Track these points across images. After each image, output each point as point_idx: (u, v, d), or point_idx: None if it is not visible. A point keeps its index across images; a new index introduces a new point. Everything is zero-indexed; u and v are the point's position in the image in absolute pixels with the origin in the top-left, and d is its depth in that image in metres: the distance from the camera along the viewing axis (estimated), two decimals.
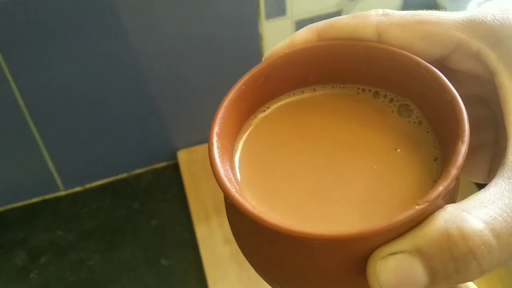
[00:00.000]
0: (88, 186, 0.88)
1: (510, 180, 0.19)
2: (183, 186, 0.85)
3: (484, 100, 0.25)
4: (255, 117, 0.25)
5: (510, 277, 0.67)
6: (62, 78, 0.76)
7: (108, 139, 0.85)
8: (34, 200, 0.87)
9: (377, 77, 0.24)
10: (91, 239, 0.82)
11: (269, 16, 0.79)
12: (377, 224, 0.18)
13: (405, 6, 0.84)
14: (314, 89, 0.25)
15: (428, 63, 0.22)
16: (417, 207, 0.18)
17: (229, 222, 0.24)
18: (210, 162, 0.21)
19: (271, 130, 0.24)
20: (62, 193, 0.88)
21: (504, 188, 0.19)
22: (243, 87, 0.23)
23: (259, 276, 0.23)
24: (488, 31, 0.22)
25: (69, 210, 0.85)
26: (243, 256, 0.23)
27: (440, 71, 0.22)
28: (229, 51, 0.80)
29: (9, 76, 0.73)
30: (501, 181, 0.19)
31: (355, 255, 0.19)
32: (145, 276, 0.77)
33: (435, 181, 0.21)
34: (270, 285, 0.23)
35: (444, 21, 0.22)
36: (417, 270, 0.18)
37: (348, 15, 0.24)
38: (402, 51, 0.23)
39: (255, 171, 0.23)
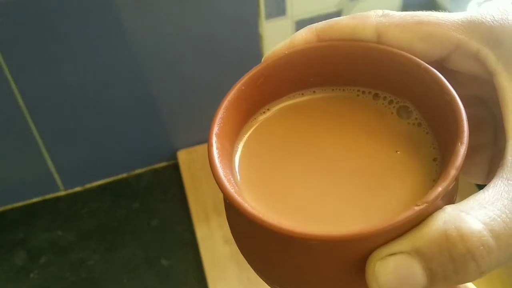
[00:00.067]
0: (88, 186, 0.88)
1: (509, 181, 0.19)
2: (183, 186, 0.85)
3: (483, 101, 0.25)
4: (255, 119, 0.25)
5: (510, 277, 0.67)
6: (62, 78, 0.76)
7: (108, 139, 0.85)
8: (34, 200, 0.87)
9: (377, 78, 0.24)
10: (91, 239, 0.82)
11: (269, 16, 0.79)
12: (376, 225, 0.18)
13: (405, 6, 0.84)
14: (314, 92, 0.25)
15: (428, 64, 0.22)
16: (416, 208, 0.18)
17: (228, 223, 0.24)
18: (210, 162, 0.21)
19: (271, 132, 0.24)
20: (62, 193, 0.88)
21: (503, 189, 0.19)
22: (243, 88, 0.23)
23: (258, 276, 0.23)
24: (487, 32, 0.22)
25: (69, 210, 0.85)
26: (243, 256, 0.23)
27: (440, 72, 0.22)
28: (229, 51, 0.80)
29: (9, 76, 0.73)
30: (500, 182, 0.19)
31: (354, 256, 0.19)
32: (145, 276, 0.77)
33: (434, 181, 0.21)
34: (269, 286, 0.23)
35: (443, 22, 0.22)
36: (416, 271, 0.18)
37: (347, 16, 0.24)
38: (402, 52, 0.23)
39: (254, 173, 0.23)
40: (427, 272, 0.18)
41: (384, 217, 0.19)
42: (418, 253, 0.18)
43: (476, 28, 0.22)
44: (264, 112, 0.25)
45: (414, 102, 0.24)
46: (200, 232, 0.79)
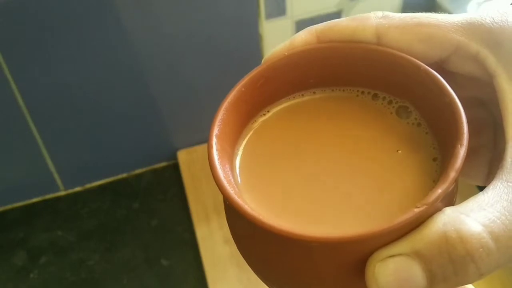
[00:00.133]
0: (88, 186, 0.88)
1: (509, 183, 0.19)
2: (183, 186, 0.85)
3: (483, 102, 0.25)
4: (255, 121, 0.25)
5: (510, 277, 0.67)
6: (62, 78, 0.76)
7: (108, 139, 0.85)
8: (34, 200, 0.87)
9: (376, 79, 0.24)
10: (91, 239, 0.82)
11: (269, 16, 0.79)
12: (376, 227, 0.18)
13: (405, 6, 0.84)
14: (314, 92, 0.25)
15: (427, 65, 0.22)
16: (416, 210, 0.18)
17: (228, 224, 0.24)
18: (210, 164, 0.21)
19: (272, 134, 0.24)
20: (62, 193, 0.88)
21: (503, 191, 0.19)
22: (243, 89, 0.23)
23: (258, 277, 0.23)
24: (487, 34, 0.22)
25: (69, 210, 0.85)
26: (243, 258, 0.23)
27: (439, 74, 0.22)
28: (229, 51, 0.80)
29: (9, 76, 0.73)
30: (499, 184, 0.19)
31: (354, 258, 0.19)
32: (145, 276, 0.77)
33: (434, 181, 0.21)
34: (268, 286, 0.23)
35: (443, 23, 0.22)
36: (416, 272, 0.18)
37: (347, 18, 0.24)
38: (401, 54, 0.23)
39: (255, 174, 0.23)
40: (426, 274, 0.18)
41: (384, 219, 0.19)
42: (418, 255, 0.18)
43: (476, 30, 0.22)
44: (264, 114, 0.25)
45: (414, 103, 0.24)
46: (200, 232, 0.79)
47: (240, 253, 0.23)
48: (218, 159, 0.21)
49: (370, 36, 0.23)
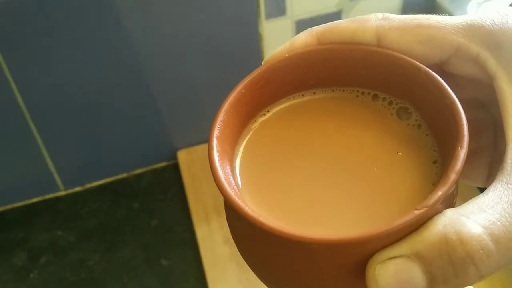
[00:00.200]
0: (88, 186, 0.88)
1: (509, 185, 0.19)
2: (183, 186, 0.85)
3: (483, 104, 0.25)
4: (255, 121, 0.25)
5: (511, 278, 0.67)
6: (62, 78, 0.76)
7: (108, 139, 0.85)
8: (34, 200, 0.87)
9: (377, 81, 0.24)
10: (91, 239, 0.82)
11: (269, 16, 0.79)
12: (376, 229, 0.18)
13: (405, 6, 0.84)
14: (314, 93, 0.25)
15: (428, 67, 0.22)
16: (416, 212, 0.18)
17: (228, 225, 0.24)
18: (210, 165, 0.21)
19: (272, 134, 0.24)
20: (62, 193, 0.88)
21: (503, 193, 0.19)
22: (243, 91, 0.23)
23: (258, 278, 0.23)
24: (487, 36, 0.22)
25: (69, 210, 0.86)
26: (243, 259, 0.23)
27: (439, 75, 0.22)
28: (229, 51, 0.80)
29: (9, 76, 0.73)
30: (499, 186, 0.19)
31: (354, 259, 0.19)
32: (145, 276, 0.77)
33: (434, 184, 0.21)
34: (267, 286, 0.23)
35: (443, 25, 0.22)
36: (416, 274, 0.18)
37: (347, 19, 0.24)
38: (402, 55, 0.23)
39: (255, 175, 0.23)
40: (427, 275, 0.18)
41: (384, 221, 0.19)
42: (418, 257, 0.18)
43: (476, 31, 0.22)
44: (264, 114, 0.25)
45: (414, 104, 0.24)
46: (200, 232, 0.79)
47: (241, 254, 0.23)
48: (219, 160, 0.21)
49: (370, 37, 0.23)
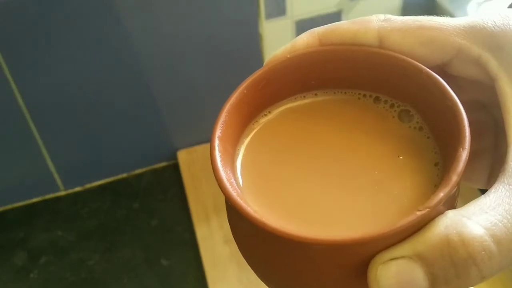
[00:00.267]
0: (88, 186, 0.88)
1: (511, 186, 0.19)
2: (183, 186, 0.85)
3: (485, 106, 0.25)
4: (256, 121, 0.25)
5: (511, 278, 0.67)
6: (62, 78, 0.76)
7: (108, 139, 0.85)
8: (34, 200, 0.87)
9: (378, 82, 0.24)
10: (91, 239, 0.82)
11: (269, 16, 0.79)
12: (378, 229, 0.18)
13: (405, 6, 0.84)
14: (316, 94, 0.25)
15: (429, 68, 0.22)
16: (418, 213, 0.19)
17: (230, 225, 0.24)
18: (212, 166, 0.21)
19: (273, 135, 0.24)
20: (62, 193, 0.88)
21: (504, 194, 0.19)
22: (245, 91, 0.23)
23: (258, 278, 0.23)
24: (489, 38, 0.22)
25: (69, 210, 0.86)
26: (244, 259, 0.23)
27: (441, 77, 0.22)
28: (229, 51, 0.80)
29: (9, 76, 0.73)
30: (501, 187, 0.19)
31: (356, 260, 0.19)
32: (145, 276, 0.77)
33: (436, 186, 0.21)
34: (268, 287, 0.23)
35: (445, 27, 0.22)
36: (417, 275, 0.19)
37: (349, 20, 0.24)
38: (403, 57, 0.23)
39: (256, 176, 0.23)
40: (428, 276, 0.19)
41: (386, 222, 0.19)
42: (420, 258, 0.18)
43: (477, 33, 0.22)
44: (265, 115, 0.25)
45: (415, 106, 0.24)
46: (200, 232, 0.79)
47: (242, 253, 0.23)
48: (221, 161, 0.22)
49: (372, 39, 0.23)
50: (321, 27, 0.24)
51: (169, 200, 0.85)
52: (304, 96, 0.25)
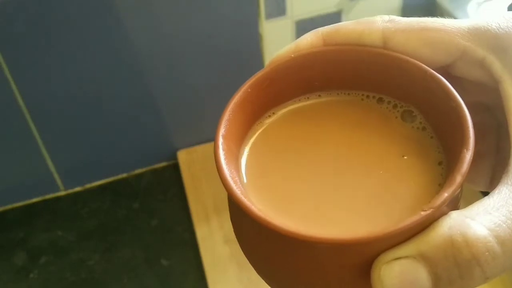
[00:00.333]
0: (88, 186, 0.88)
1: None
2: (183, 186, 0.85)
3: (488, 107, 0.25)
4: (260, 122, 0.25)
5: (511, 278, 0.67)
6: (62, 78, 0.76)
7: (108, 139, 0.85)
8: (34, 200, 0.87)
9: (382, 83, 0.24)
10: (91, 239, 0.82)
11: (269, 16, 0.79)
12: (382, 229, 0.18)
13: (405, 6, 0.84)
14: (319, 95, 0.25)
15: (433, 70, 0.22)
16: (422, 213, 0.19)
17: (232, 223, 0.24)
18: (216, 164, 0.21)
19: (277, 136, 0.24)
20: (62, 193, 0.88)
21: (508, 195, 0.19)
22: (249, 90, 0.23)
23: (259, 277, 0.23)
24: (493, 40, 0.22)
25: (69, 210, 0.85)
26: (243, 257, 0.23)
27: (445, 78, 0.22)
28: (229, 51, 0.80)
29: (9, 76, 0.73)
30: (505, 188, 0.20)
31: (360, 260, 0.19)
32: (145, 276, 0.77)
33: (440, 185, 0.21)
34: (271, 286, 0.23)
35: (449, 28, 0.23)
36: (421, 275, 0.19)
37: (353, 21, 0.24)
38: (408, 58, 0.23)
39: (260, 175, 0.23)
40: (432, 276, 0.19)
41: (391, 221, 0.20)
42: (423, 258, 0.18)
43: (482, 35, 0.22)
44: (269, 116, 0.25)
45: (419, 107, 0.24)
46: (200, 232, 0.79)
47: (244, 252, 0.23)
48: (225, 159, 0.22)
49: (376, 39, 0.23)
50: (325, 27, 0.24)
51: (169, 200, 0.85)
52: (308, 98, 0.25)
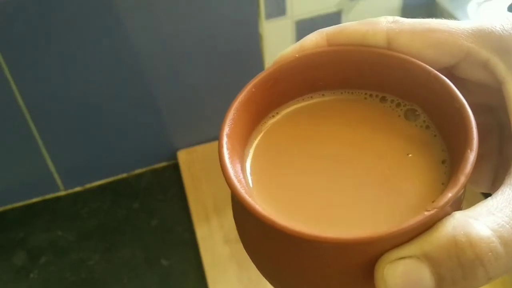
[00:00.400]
0: (88, 186, 0.88)
1: None
2: (183, 186, 0.85)
3: (491, 109, 0.26)
4: (265, 122, 0.25)
5: (511, 278, 0.67)
6: (62, 78, 0.76)
7: (108, 139, 0.85)
8: (34, 200, 0.87)
9: (386, 84, 0.24)
10: (91, 239, 0.82)
11: (269, 16, 0.79)
12: (386, 229, 0.18)
13: (405, 6, 0.84)
14: (323, 95, 0.26)
15: (437, 71, 0.22)
16: (426, 213, 0.19)
17: (235, 222, 0.24)
18: (220, 163, 0.21)
19: (281, 135, 0.24)
20: (62, 193, 0.88)
21: (511, 196, 0.19)
22: (253, 90, 0.23)
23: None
24: (497, 41, 0.22)
25: (69, 210, 0.85)
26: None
27: (448, 79, 0.22)
28: (229, 51, 0.80)
29: (9, 76, 0.73)
30: (508, 189, 0.20)
31: (363, 259, 0.19)
32: (145, 276, 0.77)
33: (443, 184, 0.21)
34: (274, 286, 0.23)
35: (453, 30, 0.23)
36: (424, 275, 0.19)
37: (357, 21, 0.24)
38: (412, 59, 0.23)
39: (265, 175, 0.23)
40: (435, 276, 0.19)
41: (395, 221, 0.20)
42: (427, 258, 0.19)
43: (486, 37, 0.22)
44: (273, 116, 0.25)
45: (422, 107, 0.24)
46: (200, 232, 0.79)
47: (247, 251, 0.23)
48: (229, 158, 0.22)
49: (380, 40, 0.23)
50: (330, 27, 0.24)
51: (169, 200, 0.85)
52: (311, 97, 0.26)
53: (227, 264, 0.75)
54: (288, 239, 0.19)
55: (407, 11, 0.84)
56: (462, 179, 0.19)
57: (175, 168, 0.88)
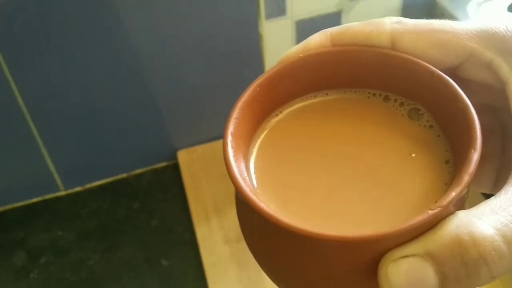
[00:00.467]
0: (88, 186, 0.88)
1: None
2: (183, 186, 0.85)
3: (494, 109, 0.26)
4: (268, 121, 0.25)
5: (511, 278, 0.68)
6: (62, 78, 0.76)
7: (108, 139, 0.85)
8: (34, 200, 0.87)
9: (389, 84, 0.25)
10: (91, 239, 0.82)
11: (269, 16, 0.79)
12: (390, 227, 0.19)
13: (405, 6, 0.84)
14: (327, 94, 0.26)
15: (441, 71, 0.23)
16: (430, 212, 0.19)
17: (239, 220, 0.24)
18: (225, 161, 0.21)
19: (285, 134, 0.25)
20: (62, 193, 0.88)
21: None
22: (258, 89, 0.24)
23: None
24: (501, 42, 0.22)
25: (69, 210, 0.85)
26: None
27: (452, 80, 0.22)
28: (229, 51, 0.80)
29: (9, 76, 0.73)
30: (511, 189, 0.20)
31: (367, 258, 0.20)
32: (145, 276, 0.77)
33: (446, 184, 0.21)
34: (277, 284, 0.23)
35: (457, 30, 0.23)
36: (428, 274, 0.19)
37: (361, 22, 0.24)
38: (415, 59, 0.23)
39: (269, 175, 0.23)
40: (439, 275, 0.19)
41: (398, 220, 0.20)
42: (430, 257, 0.19)
43: (490, 38, 0.22)
44: (277, 115, 0.25)
45: (426, 106, 0.24)
46: (200, 232, 0.79)
47: (250, 249, 0.23)
48: (233, 156, 0.22)
49: (384, 40, 0.23)
50: (334, 27, 0.24)
51: (169, 200, 0.85)
52: (315, 96, 0.26)
53: (227, 264, 0.75)
54: (292, 237, 0.19)
55: (407, 11, 0.84)
56: (466, 178, 0.19)
57: (175, 168, 0.88)
